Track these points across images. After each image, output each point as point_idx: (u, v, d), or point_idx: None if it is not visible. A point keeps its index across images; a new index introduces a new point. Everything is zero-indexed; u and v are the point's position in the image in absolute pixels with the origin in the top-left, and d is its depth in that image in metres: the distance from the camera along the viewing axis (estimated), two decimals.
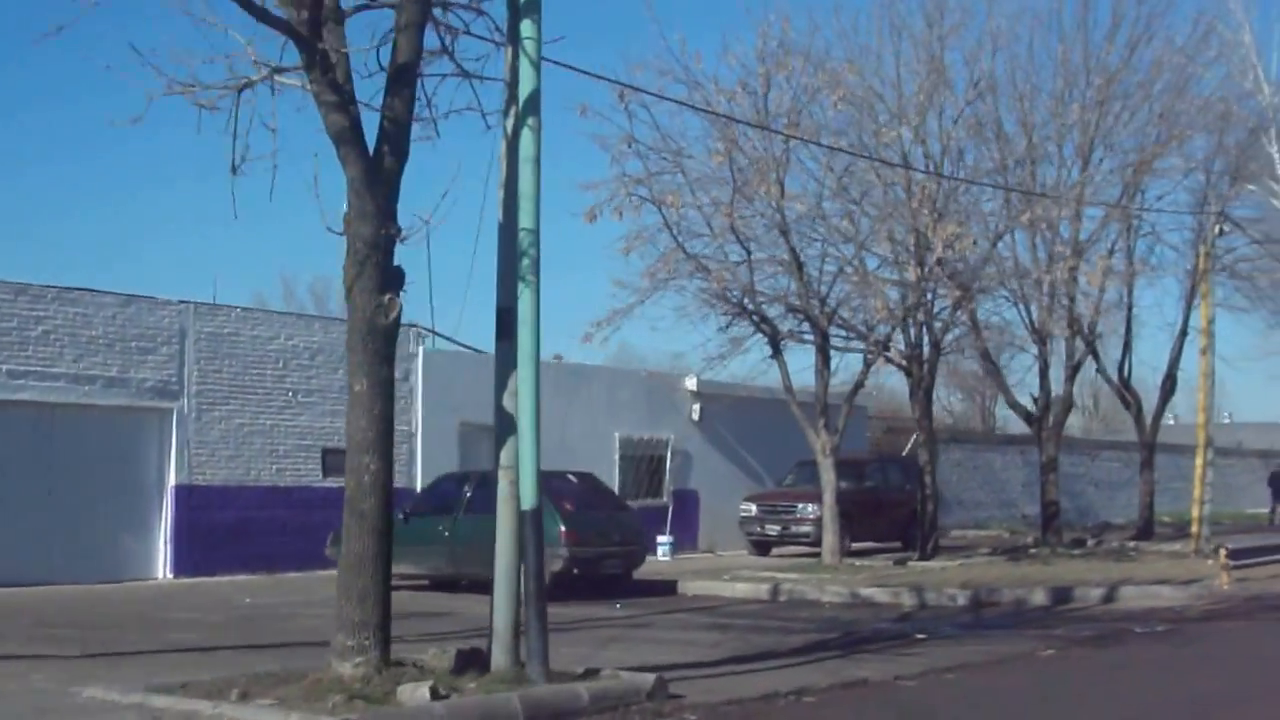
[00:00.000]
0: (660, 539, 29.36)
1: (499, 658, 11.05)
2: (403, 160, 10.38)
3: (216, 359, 24.74)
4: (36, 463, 22.28)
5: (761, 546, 29.80)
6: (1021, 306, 30.25)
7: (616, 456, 30.11)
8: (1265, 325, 38.37)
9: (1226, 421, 70.75)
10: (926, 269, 25.08)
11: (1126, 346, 34.55)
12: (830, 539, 25.69)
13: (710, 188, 24.71)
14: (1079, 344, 32.08)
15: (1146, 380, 38.43)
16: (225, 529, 24.66)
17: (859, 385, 26.62)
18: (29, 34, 70.78)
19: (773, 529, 29.49)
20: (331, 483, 25.75)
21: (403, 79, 10.36)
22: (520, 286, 10.89)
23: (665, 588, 21.84)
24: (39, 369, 22.39)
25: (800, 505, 28.62)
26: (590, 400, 29.85)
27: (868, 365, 26.04)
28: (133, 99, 10.38)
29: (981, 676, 13.28)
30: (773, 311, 25.75)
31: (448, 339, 28.72)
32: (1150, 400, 35.99)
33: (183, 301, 24.59)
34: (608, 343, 26.14)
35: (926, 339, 27.85)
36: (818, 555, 26.34)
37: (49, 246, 70.24)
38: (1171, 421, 65.94)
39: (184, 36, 10.88)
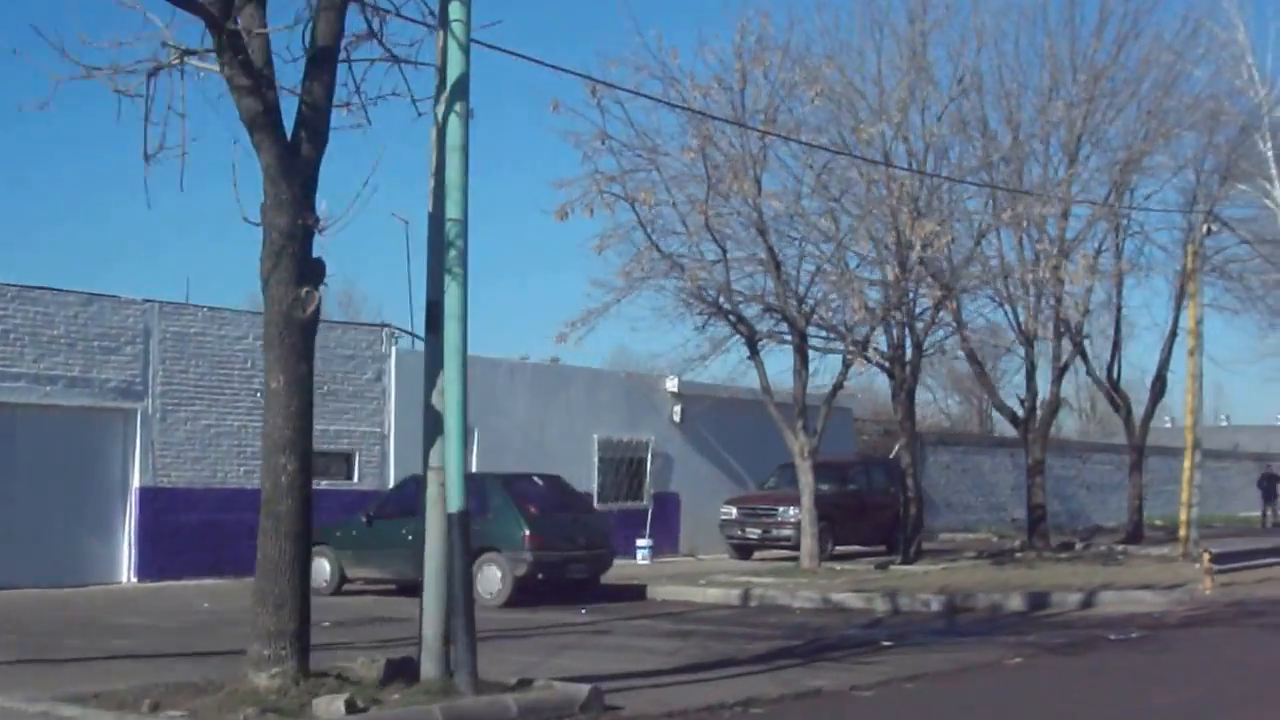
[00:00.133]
0: (640, 542, 28.91)
1: (428, 668, 10.58)
2: (321, 147, 9.92)
3: (182, 359, 24.27)
4: None
5: (743, 550, 29.30)
6: (1008, 307, 29.83)
7: (595, 459, 29.63)
8: (1260, 327, 38.00)
9: (1224, 424, 70.31)
10: (907, 268, 24.61)
11: (1116, 347, 34.07)
12: (808, 543, 25.21)
13: (686, 185, 24.28)
14: (1066, 345, 31.60)
15: (1139, 382, 38.04)
16: (191, 532, 24.18)
17: (838, 386, 26.13)
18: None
19: (753, 532, 29.00)
20: None
21: (322, 62, 9.90)
22: (447, 279, 10.45)
23: (635, 592, 21.37)
24: None
25: (781, 508, 28.12)
26: (569, 402, 29.39)
27: (846, 366, 25.54)
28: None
29: (942, 686, 12.80)
30: (750, 311, 25.28)
31: (420, 337, 28.20)
32: (1143, 402, 35.51)
33: (147, 300, 24.13)
34: (582, 343, 25.66)
35: (909, 339, 27.36)
36: (798, 559, 25.86)
37: (51, 249, 69.66)
38: (1168, 424, 65.58)
39: (114, 21, 10.46)
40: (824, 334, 25.83)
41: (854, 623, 17.95)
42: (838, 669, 13.50)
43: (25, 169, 72.92)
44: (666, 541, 30.41)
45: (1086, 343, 33.53)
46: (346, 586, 21.75)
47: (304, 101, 9.89)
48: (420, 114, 11.06)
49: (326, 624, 17.73)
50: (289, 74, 10.32)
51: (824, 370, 27.36)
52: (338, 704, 9.29)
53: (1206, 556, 22.14)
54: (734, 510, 29.37)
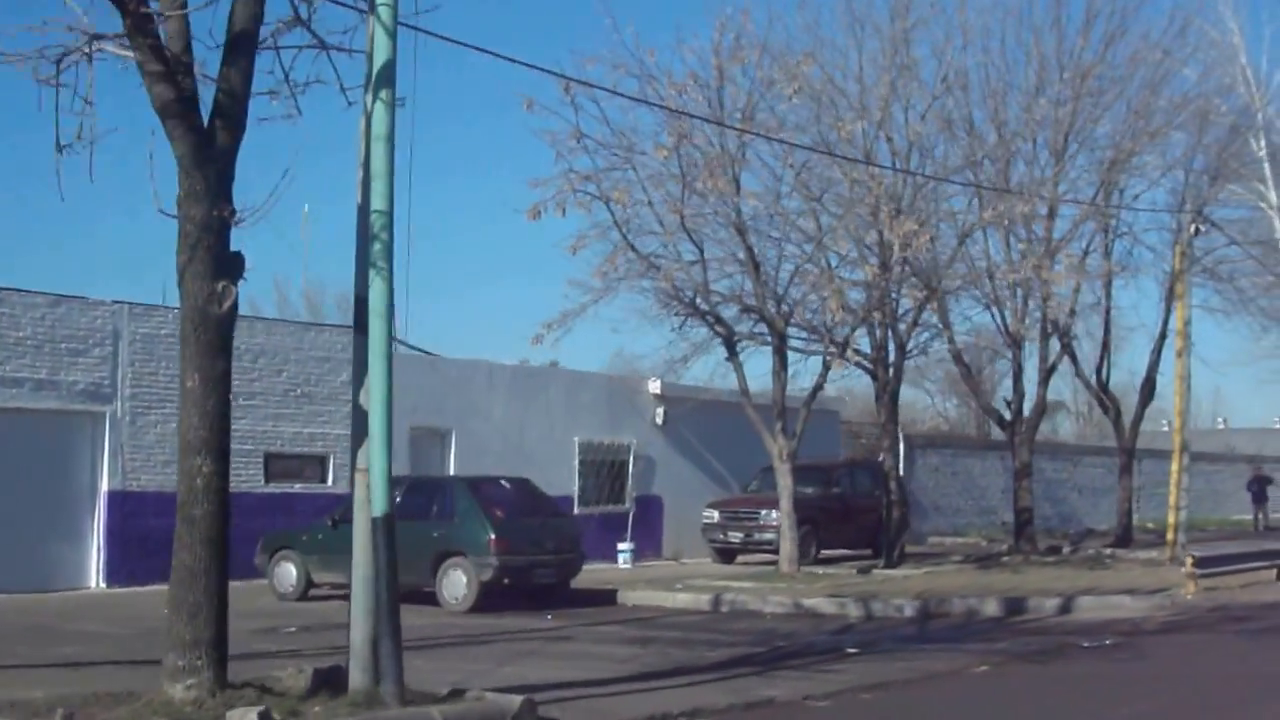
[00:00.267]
0: (621, 546, 28.54)
1: (357, 677, 10.22)
2: (238, 136, 9.57)
3: (152, 361, 23.87)
4: None
5: (725, 554, 28.90)
6: (994, 309, 29.45)
7: (576, 462, 29.23)
8: (1253, 329, 37.61)
9: (1221, 427, 69.83)
10: (888, 267, 24.23)
11: (1105, 349, 33.65)
12: (787, 546, 24.82)
13: (665, 184, 23.88)
14: (1053, 346, 31.21)
15: (1132, 385, 37.62)
16: (161, 537, 23.31)
17: (817, 388, 25.72)
18: None
19: (735, 536, 28.59)
20: (275, 488, 25.03)
21: (240, 48, 9.54)
22: (371, 274, 10.07)
23: (605, 597, 20.98)
24: None
25: (763, 512, 27.69)
26: (548, 404, 28.99)
27: (826, 367, 25.13)
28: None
29: (902, 696, 12.44)
30: (728, 312, 24.90)
31: (399, 341, 27.84)
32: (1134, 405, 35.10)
33: (116, 302, 23.75)
34: (559, 345, 25.22)
35: (891, 341, 26.97)
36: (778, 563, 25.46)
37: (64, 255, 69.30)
38: (1165, 427, 65.05)
39: (32, 6, 10.10)
40: (804, 335, 25.44)
41: (824, 629, 17.57)
42: (795, 677, 13.13)
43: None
44: (649, 545, 30.02)
45: (1076, 345, 33.22)
46: (314, 591, 21.32)
47: (220, 89, 9.53)
48: (351, 103, 10.71)
49: (292, 629, 17.46)
50: (216, 61, 9.98)
51: (805, 372, 27.07)
52: (251, 716, 8.93)
53: (1190, 561, 21.75)
54: (716, 514, 28.98)
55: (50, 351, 22.60)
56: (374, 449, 10.16)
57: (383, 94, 10.12)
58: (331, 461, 25.86)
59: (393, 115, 10.11)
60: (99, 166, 9.62)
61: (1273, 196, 40.60)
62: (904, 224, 22.80)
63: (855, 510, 29.49)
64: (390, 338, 10.27)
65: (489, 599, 19.42)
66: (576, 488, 29.14)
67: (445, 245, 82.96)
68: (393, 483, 10.40)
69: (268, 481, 24.84)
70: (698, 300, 24.45)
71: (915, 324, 27.36)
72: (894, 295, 25.64)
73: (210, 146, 9.37)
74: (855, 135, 24.56)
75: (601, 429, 29.85)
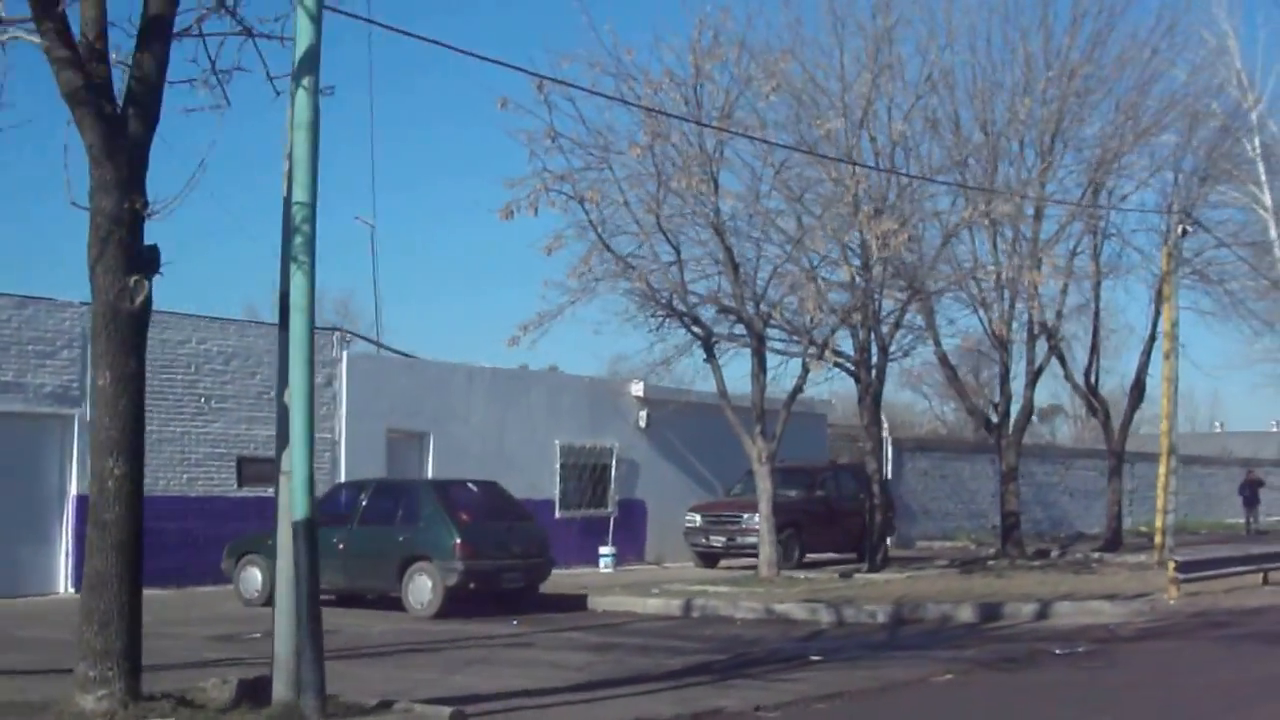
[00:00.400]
0: (602, 550, 28.20)
1: (280, 689, 9.87)
2: (152, 126, 9.23)
3: None
4: None
5: (708, 558, 28.53)
6: (981, 311, 29.06)
7: (557, 465, 28.84)
8: (1244, 333, 37.25)
9: (1218, 430, 69.44)
10: (868, 267, 23.89)
11: (1094, 351, 33.27)
12: (766, 550, 24.45)
13: (644, 183, 23.53)
14: (1040, 348, 30.84)
15: (1123, 388, 37.24)
16: None
17: (797, 390, 25.33)
18: None
19: (717, 540, 28.22)
20: (248, 492, 24.64)
21: (154, 34, 9.21)
22: (292, 268, 9.73)
23: (575, 603, 20.62)
24: None
25: (746, 515, 27.29)
26: (529, 407, 28.61)
27: (806, 369, 24.74)
28: None
29: (857, 706, 12.07)
30: (706, 314, 24.54)
31: (374, 342, 27.62)
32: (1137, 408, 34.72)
33: (84, 303, 23.33)
34: (535, 346, 24.79)
35: (874, 342, 26.61)
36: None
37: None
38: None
39: None
40: (783, 337, 25.07)
41: (792, 635, 17.20)
42: (750, 687, 12.77)
43: None
44: (632, 550, 29.64)
45: (1066, 348, 32.86)
46: None
47: (134, 76, 9.21)
48: (279, 93, 10.38)
49: (256, 635, 17.05)
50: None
51: (788, 375, 26.66)
52: None
53: (1171, 565, 21.37)
54: (698, 517, 28.63)
55: (17, 354, 22.27)
56: (295, 450, 9.83)
57: (305, 81, 9.79)
58: None
59: (315, 103, 9.78)
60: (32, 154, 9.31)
61: (1267, 199, 40.30)
62: (882, 223, 22.45)
63: (840, 514, 29.13)
64: (312, 334, 9.94)
65: (455, 604, 19.06)
66: (558, 491, 28.77)
67: (432, 248, 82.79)
68: (314, 485, 10.02)
69: (241, 486, 24.46)
70: (674, 301, 24.10)
71: (898, 326, 27.04)
72: (876, 296, 25.28)
73: (122, 136, 9.03)
74: (836, 133, 24.22)
75: (583, 432, 29.47)
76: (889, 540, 33.06)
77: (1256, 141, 38.69)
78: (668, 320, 24.49)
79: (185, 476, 24.27)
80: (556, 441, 28.86)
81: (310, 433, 9.93)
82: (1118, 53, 29.44)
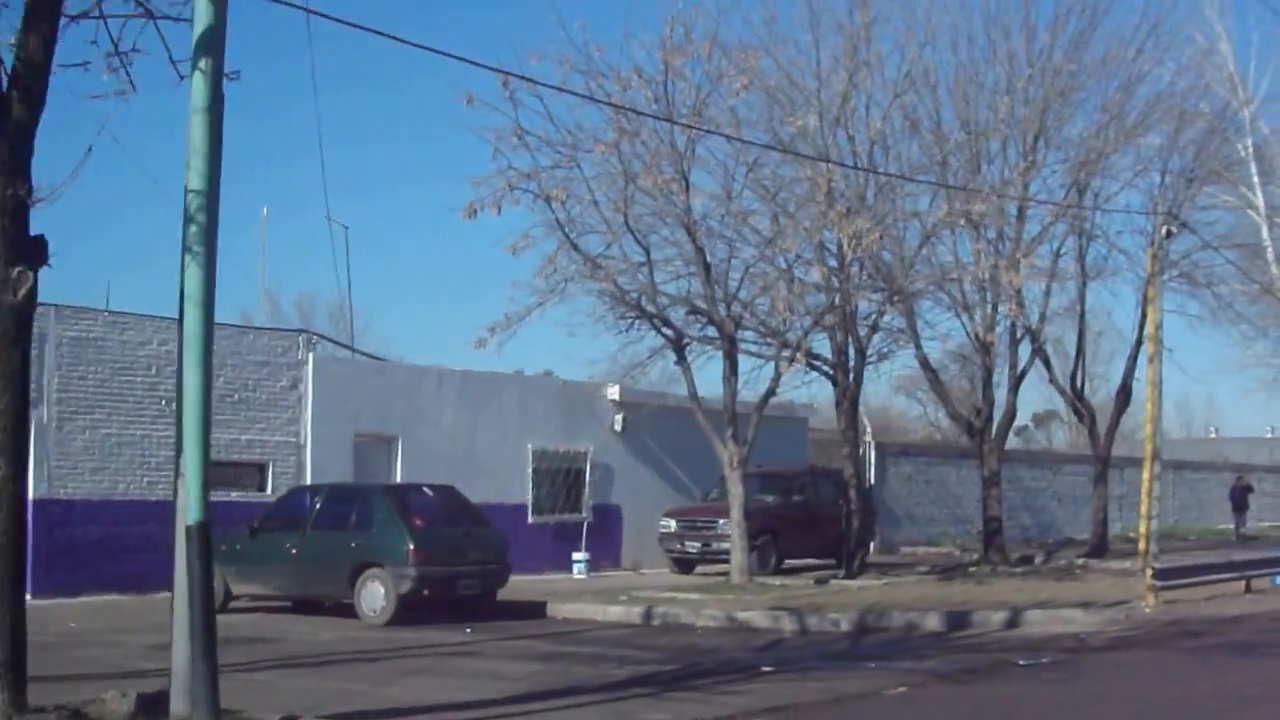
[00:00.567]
0: (576, 556, 27.68)
1: (178, 703, 9.41)
2: (37, 110, 8.76)
3: (80, 365, 23.08)
4: None
5: (683, 564, 28.04)
6: (963, 314, 28.57)
7: (530, 470, 28.36)
8: (1236, 337, 36.75)
9: (1213, 436, 68.94)
10: (842, 267, 23.41)
11: (1079, 355, 32.74)
12: (738, 557, 23.98)
13: (615, 182, 23.06)
14: (1024, 352, 30.39)
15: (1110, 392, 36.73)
16: (90, 546, 22.95)
17: (770, 393, 24.83)
18: None
19: (693, 546, 27.73)
20: (210, 497, 24.13)
21: (39, 13, 8.73)
22: (187, 259, 9.27)
23: (535, 610, 20.13)
24: None
25: (721, 521, 26.75)
26: (501, 411, 28.13)
27: (779, 372, 24.26)
28: None
29: None
30: (676, 315, 24.07)
31: (344, 345, 27.14)
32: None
33: (42, 304, 22.82)
34: (503, 348, 24.28)
35: (851, 345, 26.11)
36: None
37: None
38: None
39: None
40: (756, 339, 24.60)
41: (750, 644, 16.68)
42: (691, 700, 12.27)
43: None
44: (607, 555, 29.16)
45: (1052, 351, 32.41)
46: (234, 603, 20.48)
47: (18, 58, 8.72)
48: (182, 77, 9.90)
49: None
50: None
51: (764, 378, 26.15)
52: None
53: (1149, 572, 20.87)
54: (673, 523, 28.13)
55: None
56: (189, 451, 9.39)
57: (203, 64, 9.35)
58: (271, 469, 25.03)
59: (213, 87, 9.34)
60: None
61: (1260, 202, 39.80)
62: (854, 222, 21.96)
63: (819, 519, 28.61)
64: (208, 329, 9.48)
65: (409, 612, 18.60)
66: (530, 497, 28.30)
67: (419, 251, 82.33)
68: (208, 488, 9.53)
69: None
70: (644, 302, 23.63)
71: (876, 328, 26.56)
72: (851, 297, 24.78)
73: (4, 120, 8.56)
74: (810, 130, 23.76)
75: (557, 436, 28.99)
76: (871, 546, 32.68)
77: (1249, 143, 38.27)
78: (637, 322, 24.02)
79: (146, 480, 23.82)
80: (529, 445, 28.39)
81: (205, 433, 9.48)
82: (1102, 52, 29.03)
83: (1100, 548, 32.13)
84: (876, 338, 27.13)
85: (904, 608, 19.32)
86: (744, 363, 25.02)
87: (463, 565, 19.08)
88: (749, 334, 24.66)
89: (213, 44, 9.20)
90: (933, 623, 18.29)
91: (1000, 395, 30.70)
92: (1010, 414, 30.74)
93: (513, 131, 22.21)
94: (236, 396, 24.62)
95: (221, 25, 9.27)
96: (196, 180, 9.17)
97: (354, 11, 11.66)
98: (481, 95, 22.17)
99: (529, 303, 23.42)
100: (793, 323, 23.57)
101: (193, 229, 9.15)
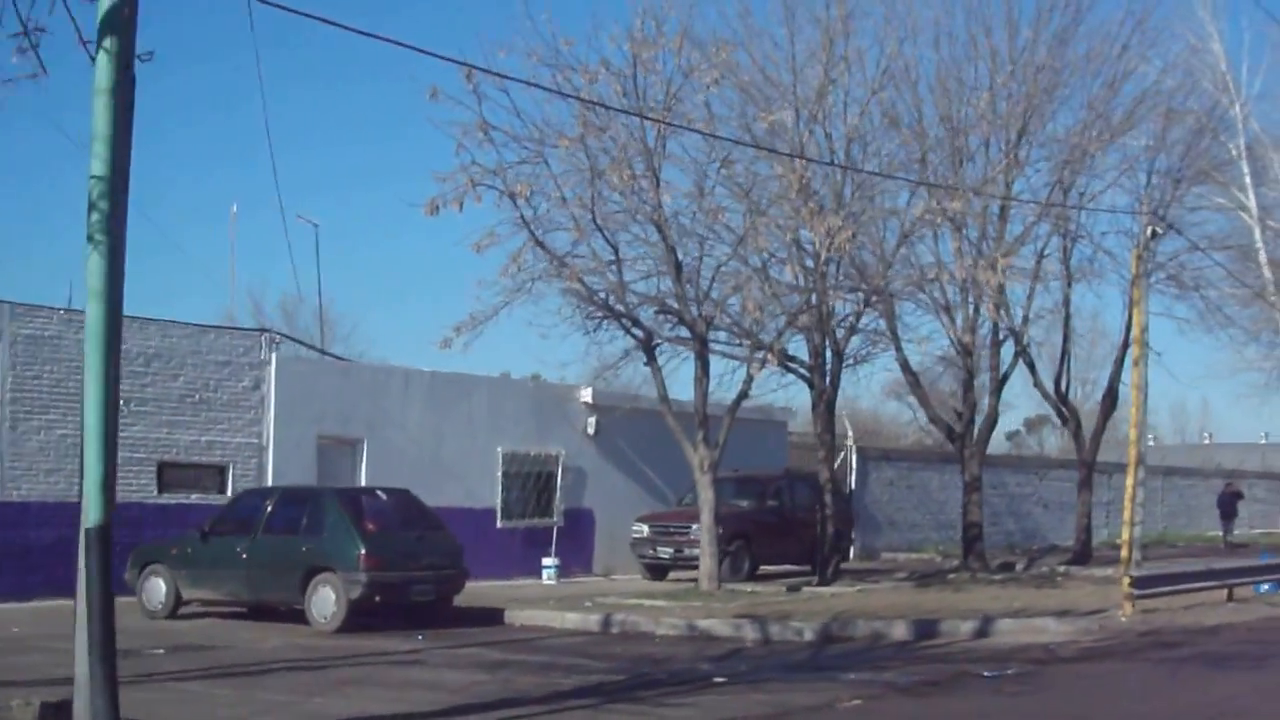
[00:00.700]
0: (545, 561, 27.09)
1: (80, 712, 8.87)
2: None
3: (35, 364, 22.52)
4: None
5: (656, 570, 27.43)
6: (945, 316, 28.01)
7: (499, 473, 27.75)
8: (1225, 340, 36.26)
9: (1206, 442, 68.41)
10: (816, 267, 22.87)
11: (1063, 357, 32.20)
12: (707, 563, 23.42)
13: (581, 178, 22.51)
14: (1007, 354, 29.88)
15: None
16: (44, 550, 22.32)
17: (742, 395, 24.24)
18: None
19: (665, 551, 27.12)
20: (169, 499, 23.66)
21: None
22: (88, 249, 8.74)
23: (491, 617, 19.55)
24: None
25: (694, 526, 26.07)
26: (470, 413, 27.54)
27: (751, 375, 23.70)
28: None
29: None
30: (646, 315, 23.51)
31: (307, 345, 26.58)
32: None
33: None
34: (469, 349, 23.70)
35: (828, 347, 25.56)
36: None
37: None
38: (1151, 441, 63.66)
39: None
40: (730, 339, 24.04)
41: (708, 654, 16.11)
42: (629, 713, 11.75)
43: None
44: (578, 561, 28.57)
45: (1036, 354, 31.90)
46: (184, 609, 19.93)
47: None
48: (93, 59, 9.33)
49: (160, 651, 16.06)
50: None
51: (739, 380, 25.57)
52: None
53: (1126, 580, 20.34)
54: (645, 528, 27.52)
55: None
56: (89, 448, 8.91)
57: (107, 43, 8.83)
58: (232, 471, 24.45)
59: (119, 69, 8.82)
60: None
61: (1253, 204, 39.30)
62: (826, 220, 21.41)
63: (795, 524, 27.98)
64: (113, 321, 8.95)
65: (360, 618, 18.05)
66: (499, 501, 27.71)
67: (406, 251, 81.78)
68: (112, 490, 9.01)
69: (161, 492, 23.48)
70: (612, 301, 23.08)
71: (854, 330, 26.02)
72: (828, 298, 24.23)
73: None
74: (784, 126, 23.24)
75: (528, 439, 28.40)
76: (851, 551, 32.16)
77: (1241, 143, 37.77)
78: (605, 322, 23.47)
79: None
80: (499, 448, 27.80)
81: (106, 430, 8.97)
82: (1086, 48, 28.53)
83: (1084, 555, 31.61)
84: (855, 340, 26.58)
85: (872, 616, 18.76)
86: (718, 365, 24.52)
87: (416, 570, 18.52)
88: (721, 335, 24.11)
89: (119, 23, 8.72)
90: (899, 632, 17.73)
91: (983, 399, 30.25)
92: (992, 417, 30.23)
93: (478, 126, 21.67)
94: (197, 397, 24.06)
95: (130, 3, 8.75)
96: (99, 166, 8.67)
97: (323, 7, 11.13)
98: (451, 92, 21.61)
99: (495, 302, 22.91)
100: (765, 323, 23.00)
101: (94, 217, 8.65)
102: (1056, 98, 28.31)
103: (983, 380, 30.29)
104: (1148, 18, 29.11)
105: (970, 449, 29.48)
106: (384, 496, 19.54)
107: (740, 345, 23.85)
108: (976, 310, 27.92)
